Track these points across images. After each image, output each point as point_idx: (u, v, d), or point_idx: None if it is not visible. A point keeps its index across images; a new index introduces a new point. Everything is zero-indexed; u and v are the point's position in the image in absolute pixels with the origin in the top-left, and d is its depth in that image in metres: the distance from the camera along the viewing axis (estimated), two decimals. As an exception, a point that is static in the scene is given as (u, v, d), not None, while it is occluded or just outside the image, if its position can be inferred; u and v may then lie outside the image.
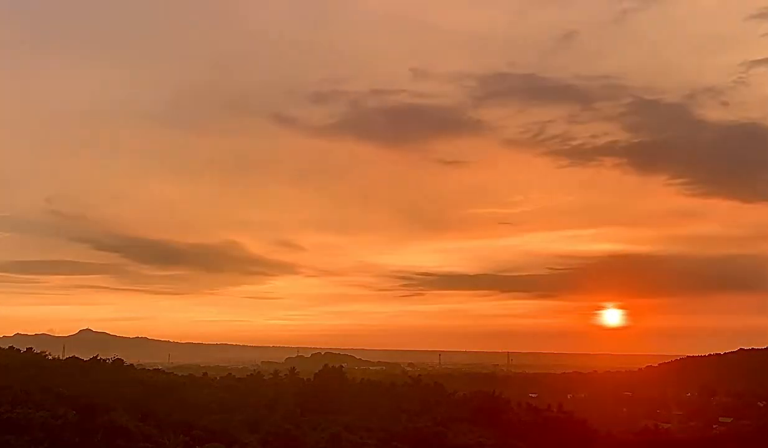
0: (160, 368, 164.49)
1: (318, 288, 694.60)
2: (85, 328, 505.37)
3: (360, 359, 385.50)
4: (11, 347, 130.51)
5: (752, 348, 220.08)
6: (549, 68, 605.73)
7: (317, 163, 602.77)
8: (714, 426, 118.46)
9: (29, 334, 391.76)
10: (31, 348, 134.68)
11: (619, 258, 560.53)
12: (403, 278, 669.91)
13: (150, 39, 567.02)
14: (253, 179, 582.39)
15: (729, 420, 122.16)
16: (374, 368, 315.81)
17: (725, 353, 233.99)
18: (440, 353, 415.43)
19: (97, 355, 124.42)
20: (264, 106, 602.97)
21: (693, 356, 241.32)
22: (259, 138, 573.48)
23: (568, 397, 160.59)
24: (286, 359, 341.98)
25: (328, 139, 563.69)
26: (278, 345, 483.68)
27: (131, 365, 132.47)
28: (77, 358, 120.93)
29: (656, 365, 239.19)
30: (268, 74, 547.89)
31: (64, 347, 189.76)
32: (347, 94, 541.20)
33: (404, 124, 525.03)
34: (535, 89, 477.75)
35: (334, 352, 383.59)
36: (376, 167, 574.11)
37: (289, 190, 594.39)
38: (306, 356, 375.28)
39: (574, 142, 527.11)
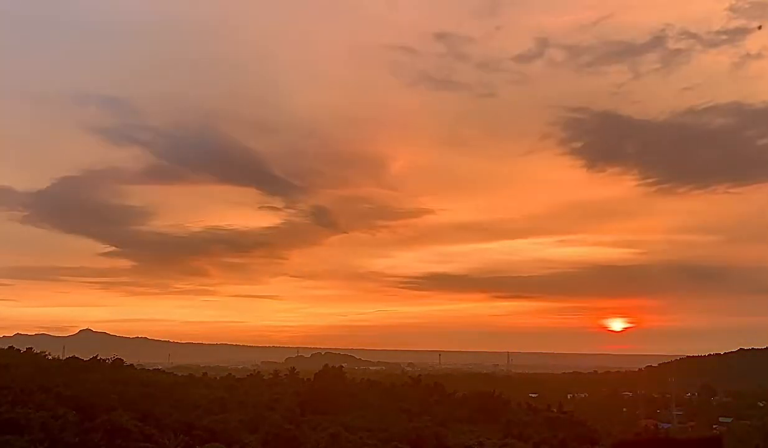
0: (160, 368, 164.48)
1: (317, 288, 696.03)
2: (85, 328, 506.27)
3: (360, 359, 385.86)
4: (11, 347, 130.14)
5: (752, 348, 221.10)
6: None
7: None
8: (714, 426, 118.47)
9: (29, 334, 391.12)
10: (31, 348, 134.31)
11: (617, 259, 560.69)
12: (403, 278, 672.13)
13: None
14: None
15: (729, 420, 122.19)
16: (374, 368, 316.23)
17: (725, 353, 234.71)
18: (440, 353, 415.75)
19: (97, 355, 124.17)
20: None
21: (693, 356, 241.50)
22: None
23: (568, 397, 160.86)
24: (286, 359, 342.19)
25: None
26: (278, 345, 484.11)
27: (131, 365, 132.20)
28: (77, 358, 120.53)
29: (656, 365, 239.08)
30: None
31: (64, 347, 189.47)
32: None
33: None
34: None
35: (334, 352, 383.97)
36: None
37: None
38: (306, 356, 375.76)
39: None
